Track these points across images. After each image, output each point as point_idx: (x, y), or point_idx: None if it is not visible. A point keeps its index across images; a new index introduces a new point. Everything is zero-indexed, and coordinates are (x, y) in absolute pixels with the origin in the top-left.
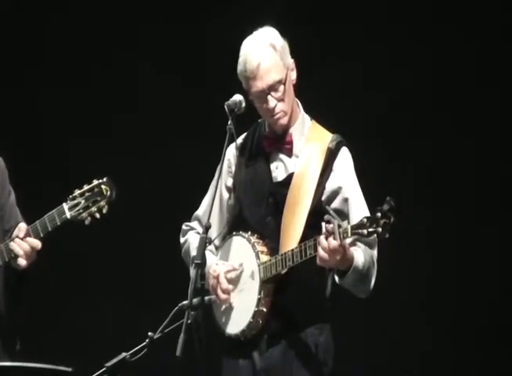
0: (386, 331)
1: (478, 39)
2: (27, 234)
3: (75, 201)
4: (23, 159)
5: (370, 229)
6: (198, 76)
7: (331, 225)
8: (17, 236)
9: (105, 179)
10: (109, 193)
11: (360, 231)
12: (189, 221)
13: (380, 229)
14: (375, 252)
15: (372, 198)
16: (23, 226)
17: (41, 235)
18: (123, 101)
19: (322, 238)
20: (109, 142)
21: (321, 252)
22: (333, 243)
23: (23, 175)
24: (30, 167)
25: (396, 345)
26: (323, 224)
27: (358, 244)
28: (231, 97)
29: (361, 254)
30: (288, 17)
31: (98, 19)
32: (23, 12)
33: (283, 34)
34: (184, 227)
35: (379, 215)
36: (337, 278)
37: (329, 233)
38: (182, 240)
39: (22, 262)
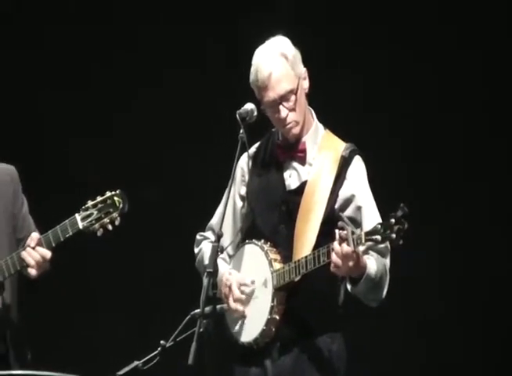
0: (394, 339)
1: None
2: (39, 244)
3: (88, 212)
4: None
5: (384, 236)
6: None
7: (345, 232)
8: (28, 246)
9: (118, 191)
10: (121, 205)
11: (374, 237)
12: (203, 230)
13: (393, 235)
14: (387, 261)
15: (384, 205)
16: (35, 236)
17: (53, 245)
18: (125, 104)
19: (335, 244)
20: (115, 147)
21: (334, 258)
22: (347, 249)
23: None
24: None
25: (405, 352)
26: (337, 231)
27: (371, 252)
28: (240, 102)
29: (373, 263)
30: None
31: (98, 19)
32: (23, 11)
33: (293, 40)
34: (198, 237)
35: (393, 221)
36: (349, 286)
37: (342, 240)
38: (196, 250)
39: (32, 271)
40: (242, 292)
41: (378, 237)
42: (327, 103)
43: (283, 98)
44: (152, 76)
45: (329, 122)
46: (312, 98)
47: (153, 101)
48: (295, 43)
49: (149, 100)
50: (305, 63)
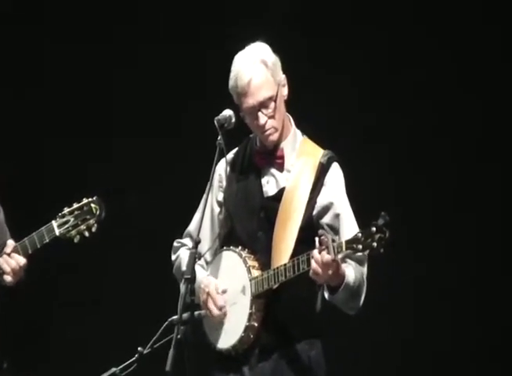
0: (374, 345)
1: None
2: (14, 251)
3: (64, 219)
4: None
5: (365, 244)
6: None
7: (325, 239)
8: (5, 253)
9: (95, 198)
10: (98, 211)
11: (354, 246)
12: (181, 237)
13: (374, 244)
14: (365, 269)
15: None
16: (10, 243)
17: (30, 251)
18: (108, 111)
19: (315, 252)
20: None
21: (314, 266)
22: (327, 257)
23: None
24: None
25: (387, 358)
26: (317, 238)
27: (349, 260)
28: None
29: (352, 271)
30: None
31: (98, 34)
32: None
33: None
34: (175, 244)
35: (374, 229)
36: (326, 294)
37: (322, 248)
38: (173, 257)
39: (8, 278)
40: (221, 296)
41: (359, 246)
42: (310, 108)
43: (263, 105)
44: (142, 84)
45: (308, 128)
46: (296, 102)
47: (135, 109)
48: (285, 47)
49: (131, 107)
50: (290, 68)
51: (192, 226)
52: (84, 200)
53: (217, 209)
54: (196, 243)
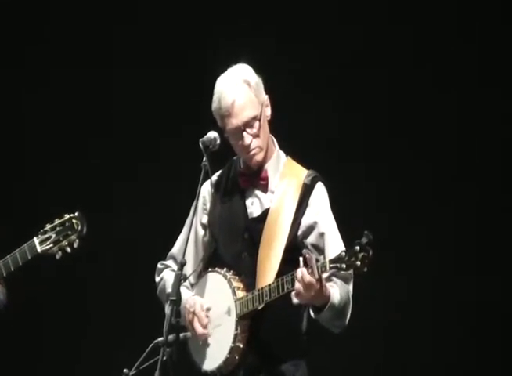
0: (362, 365)
1: None
2: None
3: (46, 235)
4: None
5: (349, 263)
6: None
7: (309, 258)
8: None
9: (76, 214)
10: (80, 227)
11: (338, 265)
12: (164, 259)
13: (358, 263)
14: (350, 287)
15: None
16: None
17: (12, 269)
18: (99, 129)
19: (299, 271)
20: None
21: (297, 285)
22: (309, 277)
23: None
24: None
25: None
26: (301, 258)
27: (335, 279)
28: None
29: (337, 291)
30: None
31: (97, 59)
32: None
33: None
34: (159, 266)
35: (357, 248)
36: (312, 313)
37: (306, 268)
38: (157, 278)
39: None
40: (206, 316)
41: (343, 265)
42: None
43: (247, 125)
44: (124, 103)
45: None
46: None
47: (123, 128)
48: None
49: (122, 127)
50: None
51: (175, 249)
52: (66, 216)
53: (201, 232)
54: (182, 264)
